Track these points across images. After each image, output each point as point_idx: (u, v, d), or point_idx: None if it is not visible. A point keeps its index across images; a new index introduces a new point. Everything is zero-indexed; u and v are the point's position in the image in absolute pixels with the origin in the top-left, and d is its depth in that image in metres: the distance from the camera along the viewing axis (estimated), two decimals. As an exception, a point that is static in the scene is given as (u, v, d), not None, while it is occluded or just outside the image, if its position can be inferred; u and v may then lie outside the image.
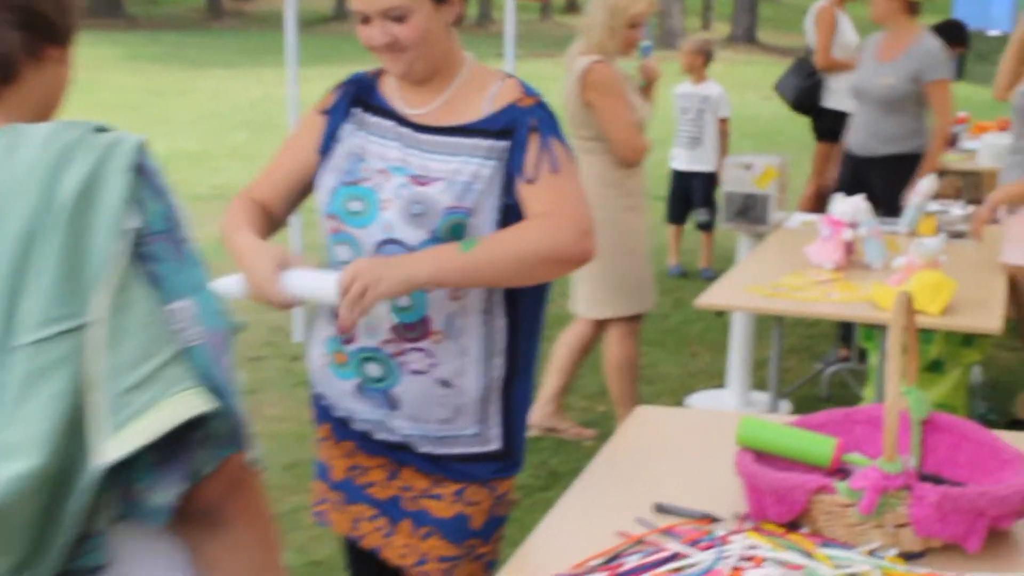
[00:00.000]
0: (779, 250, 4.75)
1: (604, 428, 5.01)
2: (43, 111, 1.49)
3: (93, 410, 1.28)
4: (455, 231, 2.22)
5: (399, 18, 2.21)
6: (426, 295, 2.24)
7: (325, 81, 2.47)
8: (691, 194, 7.59)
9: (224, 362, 1.37)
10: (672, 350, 6.07)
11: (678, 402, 5.36)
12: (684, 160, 7.56)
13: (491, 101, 2.31)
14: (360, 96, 2.39)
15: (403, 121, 2.34)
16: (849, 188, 5.61)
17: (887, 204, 5.39)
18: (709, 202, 7.53)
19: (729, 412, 2.84)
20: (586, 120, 4.53)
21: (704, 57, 7.52)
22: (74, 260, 1.29)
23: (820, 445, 2.13)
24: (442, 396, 2.31)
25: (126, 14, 27.58)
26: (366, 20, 2.24)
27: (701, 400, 5.35)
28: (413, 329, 2.27)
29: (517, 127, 2.25)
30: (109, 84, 16.97)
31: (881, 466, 1.89)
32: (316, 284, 2.16)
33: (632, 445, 2.51)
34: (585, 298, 4.74)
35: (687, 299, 6.97)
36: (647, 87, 4.79)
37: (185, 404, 1.30)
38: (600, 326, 4.83)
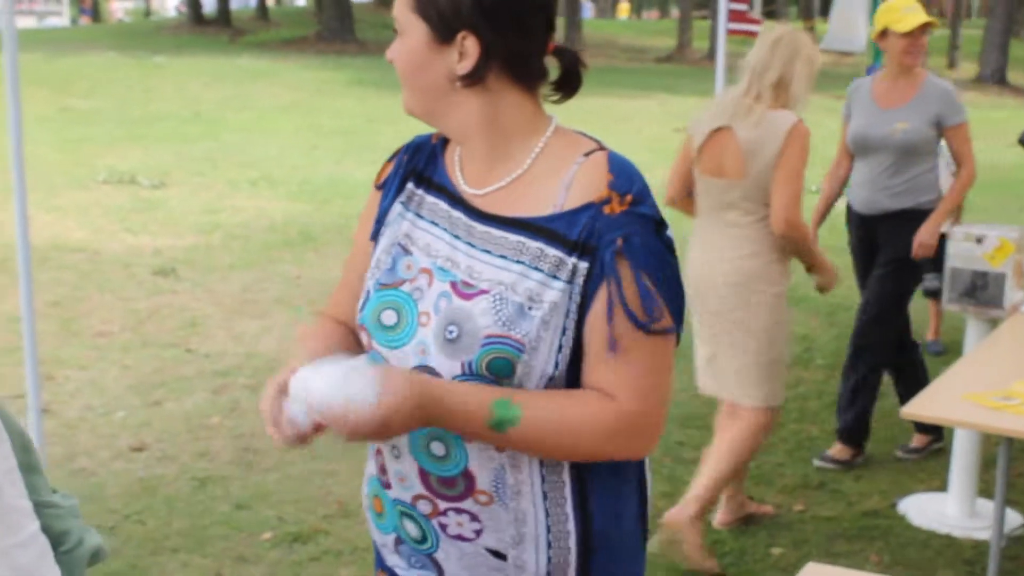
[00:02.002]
0: (1015, 343, 4.01)
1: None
2: None
3: None
4: (497, 368, 1.61)
5: (399, 32, 1.72)
6: (466, 443, 1.67)
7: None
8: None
9: None
10: (883, 439, 5.32)
11: (889, 505, 4.63)
12: (911, 219, 6.72)
13: (566, 188, 1.66)
14: (417, 167, 1.83)
15: (457, 202, 1.75)
16: (861, 255, 5.16)
17: (899, 265, 4.90)
18: (940, 266, 6.69)
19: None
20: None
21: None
22: None
23: None
24: (494, 570, 1.74)
25: (356, 39, 27.85)
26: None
27: (916, 506, 4.59)
28: (452, 484, 1.70)
29: (600, 246, 1.61)
30: (329, 108, 17.06)
31: None
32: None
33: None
34: (754, 383, 4.07)
35: (907, 378, 6.21)
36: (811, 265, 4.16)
37: None
38: (775, 413, 4.19)
